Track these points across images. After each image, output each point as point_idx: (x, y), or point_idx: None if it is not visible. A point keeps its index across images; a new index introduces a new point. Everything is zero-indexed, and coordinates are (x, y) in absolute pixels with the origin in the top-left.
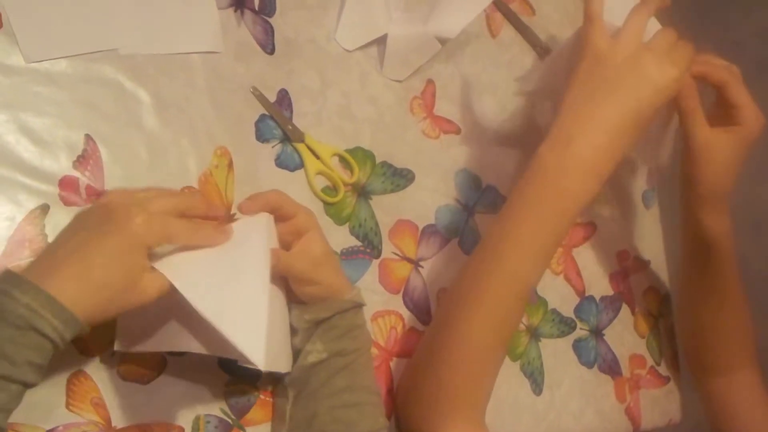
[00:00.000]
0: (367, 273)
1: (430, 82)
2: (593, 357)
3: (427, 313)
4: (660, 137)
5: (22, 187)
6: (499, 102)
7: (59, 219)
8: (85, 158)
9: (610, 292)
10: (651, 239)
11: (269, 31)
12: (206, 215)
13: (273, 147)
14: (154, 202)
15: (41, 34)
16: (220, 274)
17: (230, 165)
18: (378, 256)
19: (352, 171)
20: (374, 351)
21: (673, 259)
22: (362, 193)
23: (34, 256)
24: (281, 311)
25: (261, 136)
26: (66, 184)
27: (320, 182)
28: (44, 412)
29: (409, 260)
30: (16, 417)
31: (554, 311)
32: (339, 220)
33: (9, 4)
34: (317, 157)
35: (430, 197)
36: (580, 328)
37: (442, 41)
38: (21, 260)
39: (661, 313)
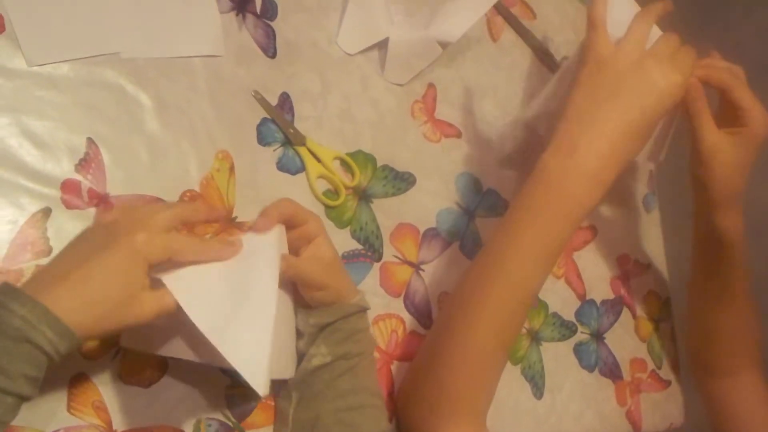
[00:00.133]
0: (368, 276)
1: (431, 85)
2: (594, 360)
3: (428, 317)
4: (660, 138)
5: (25, 191)
6: (499, 105)
7: (61, 222)
8: (87, 161)
9: (611, 296)
10: (652, 243)
11: (271, 34)
12: (208, 219)
13: (274, 150)
14: (156, 218)
15: (43, 37)
16: (227, 289)
17: (232, 169)
18: (379, 259)
19: (353, 174)
20: (375, 354)
21: (674, 262)
22: (363, 196)
23: (36, 260)
24: (288, 317)
25: (262, 140)
26: (68, 187)
27: (321, 185)
28: (46, 415)
29: (410, 264)
30: (17, 420)
31: (555, 315)
32: (340, 224)
33: (11, 7)
34: (318, 160)
35: (431, 201)
36: (581, 332)
37: (444, 45)
38: (23, 263)
39: (662, 317)
